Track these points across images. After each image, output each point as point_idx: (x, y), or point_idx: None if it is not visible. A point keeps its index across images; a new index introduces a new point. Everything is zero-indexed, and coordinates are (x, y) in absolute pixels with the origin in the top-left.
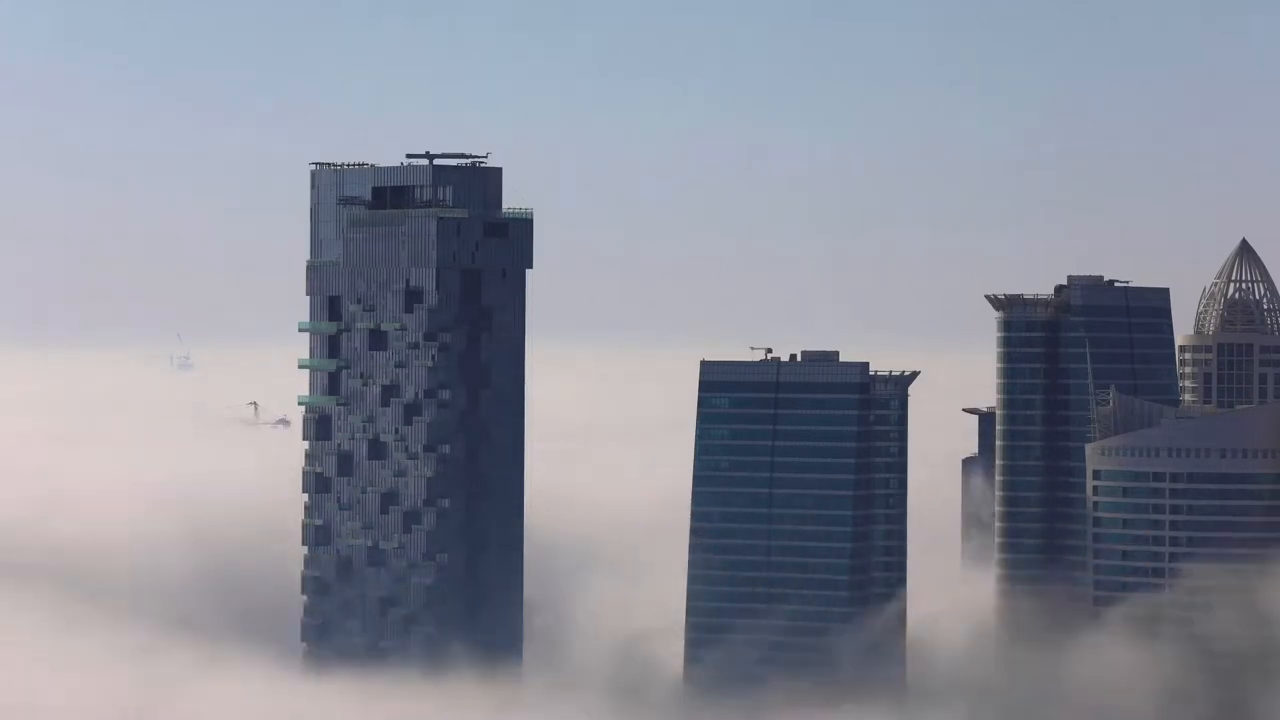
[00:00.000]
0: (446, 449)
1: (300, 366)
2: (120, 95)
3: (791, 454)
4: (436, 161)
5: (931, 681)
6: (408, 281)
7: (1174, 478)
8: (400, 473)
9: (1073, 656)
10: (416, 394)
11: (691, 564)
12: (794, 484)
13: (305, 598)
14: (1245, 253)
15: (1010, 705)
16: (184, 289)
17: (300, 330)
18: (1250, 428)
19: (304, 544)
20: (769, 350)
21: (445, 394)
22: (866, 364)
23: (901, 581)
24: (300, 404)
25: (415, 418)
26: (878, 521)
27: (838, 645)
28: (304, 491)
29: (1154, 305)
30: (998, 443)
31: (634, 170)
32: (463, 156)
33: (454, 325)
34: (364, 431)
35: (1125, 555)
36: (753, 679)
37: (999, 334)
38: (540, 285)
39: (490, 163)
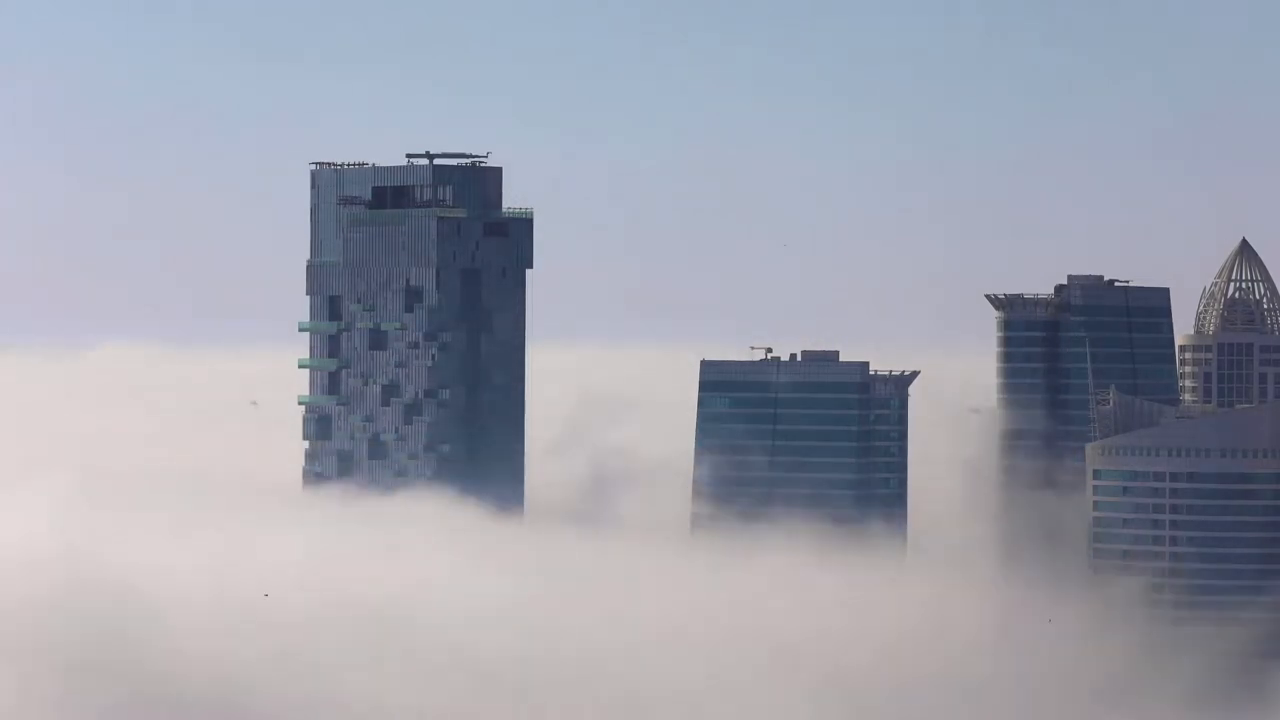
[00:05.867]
0: (446, 449)
1: (300, 366)
2: (119, 94)
3: (791, 454)
4: (436, 161)
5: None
6: (408, 281)
7: (1174, 478)
8: (400, 472)
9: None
10: (416, 394)
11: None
12: (794, 484)
13: None
14: (1245, 253)
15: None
16: (184, 288)
17: (300, 330)
18: (1250, 428)
19: None
20: (769, 350)
21: (445, 394)
22: (866, 364)
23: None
24: (300, 404)
25: (415, 418)
26: (877, 521)
27: None
28: (304, 490)
29: (1154, 305)
30: (998, 443)
31: (634, 170)
32: (463, 156)
33: (454, 325)
34: (364, 431)
35: (1125, 555)
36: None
37: (999, 334)
38: (540, 285)
39: (490, 163)
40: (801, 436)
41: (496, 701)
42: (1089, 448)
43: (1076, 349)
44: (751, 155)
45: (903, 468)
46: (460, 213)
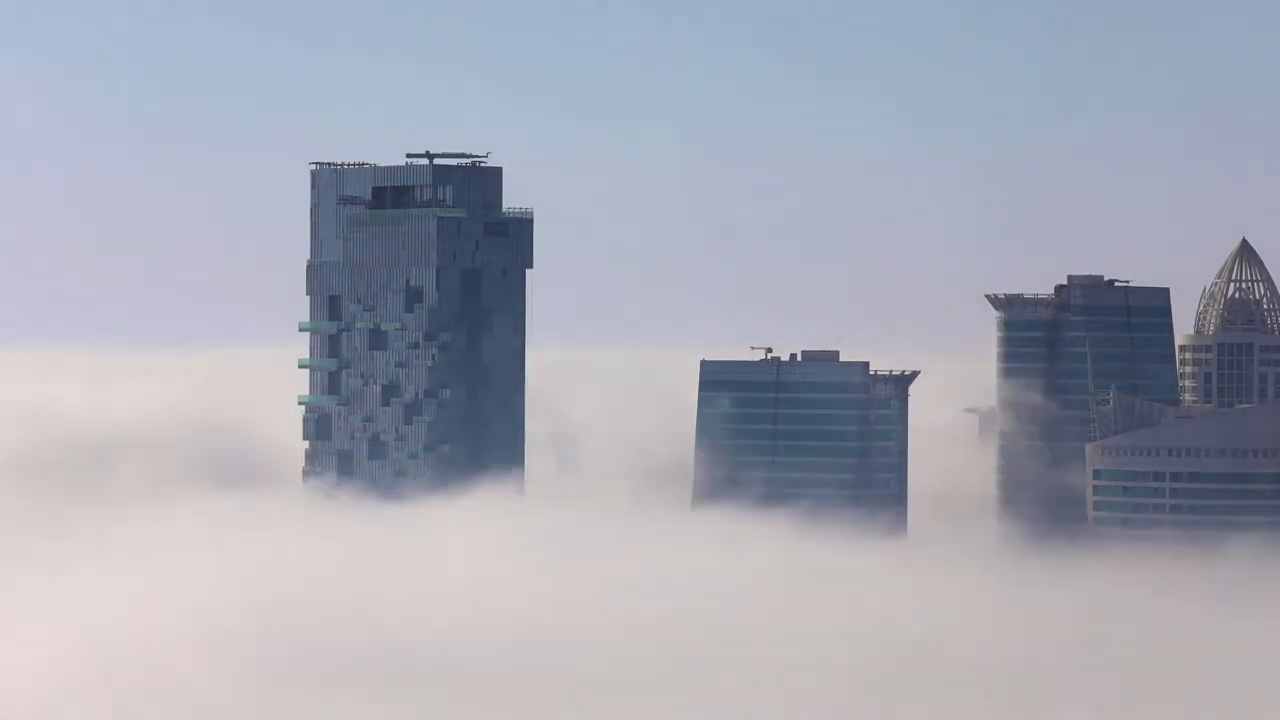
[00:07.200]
0: (446, 449)
1: (300, 366)
2: (119, 94)
3: (791, 454)
4: (436, 161)
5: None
6: (408, 281)
7: (1174, 478)
8: (400, 472)
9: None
10: (416, 394)
11: None
12: (794, 484)
13: None
14: (1245, 253)
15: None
16: (183, 288)
17: (300, 330)
18: (1250, 428)
19: None
20: (769, 350)
21: (445, 394)
22: (866, 364)
23: None
24: (300, 404)
25: (415, 418)
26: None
27: None
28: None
29: (1154, 305)
30: (998, 443)
31: (634, 170)
32: (463, 156)
33: (454, 325)
34: (364, 431)
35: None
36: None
37: (999, 334)
38: (540, 285)
39: (490, 163)
40: (801, 436)
41: None
42: (1089, 448)
43: (1076, 349)
44: (751, 155)
45: (903, 468)
46: (460, 213)
